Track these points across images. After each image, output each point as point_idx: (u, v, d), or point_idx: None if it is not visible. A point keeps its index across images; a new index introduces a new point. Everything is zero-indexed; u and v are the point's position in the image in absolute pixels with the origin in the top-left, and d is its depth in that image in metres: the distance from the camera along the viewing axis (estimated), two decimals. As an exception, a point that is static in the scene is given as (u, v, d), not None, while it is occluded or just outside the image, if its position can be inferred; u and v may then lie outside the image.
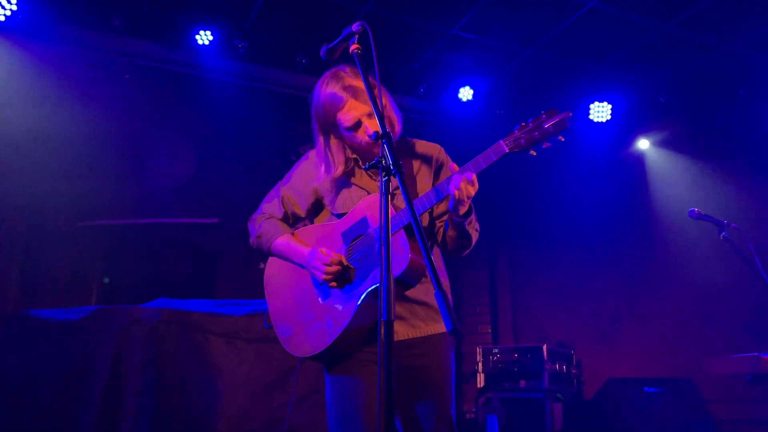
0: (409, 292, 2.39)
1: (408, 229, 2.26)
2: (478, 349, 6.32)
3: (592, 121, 6.93)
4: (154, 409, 3.45)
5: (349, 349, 2.37)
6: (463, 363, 7.45)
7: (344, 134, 2.46)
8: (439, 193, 2.26)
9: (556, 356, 6.00)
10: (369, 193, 2.47)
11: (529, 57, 6.29)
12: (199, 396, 3.61)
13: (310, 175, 2.58)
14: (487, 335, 7.65)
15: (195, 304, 4.01)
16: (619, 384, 5.97)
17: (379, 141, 2.18)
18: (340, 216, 2.49)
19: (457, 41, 6.05)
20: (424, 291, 2.45)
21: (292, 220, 2.68)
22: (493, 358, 6.17)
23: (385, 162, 1.88)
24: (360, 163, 2.54)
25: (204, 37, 5.69)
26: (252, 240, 2.68)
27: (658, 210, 6.76)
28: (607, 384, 6.04)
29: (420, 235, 1.73)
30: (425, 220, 2.53)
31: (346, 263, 2.37)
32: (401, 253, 2.22)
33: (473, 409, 6.34)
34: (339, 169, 2.50)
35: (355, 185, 2.52)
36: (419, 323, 2.43)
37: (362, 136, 2.42)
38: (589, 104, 6.91)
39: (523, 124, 2.20)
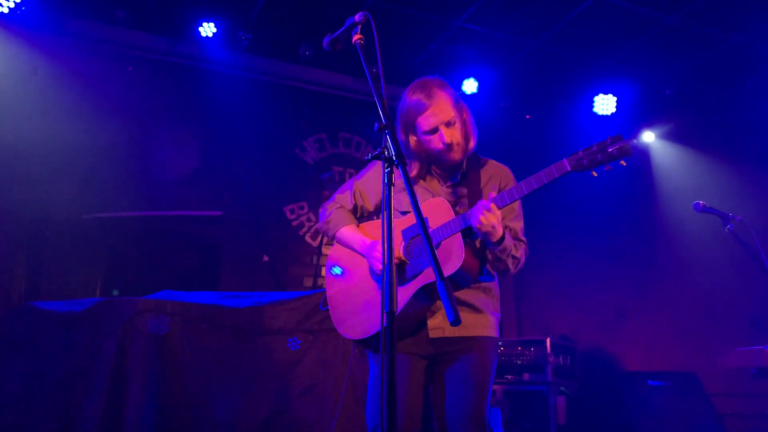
0: (460, 294, 2.55)
1: (466, 233, 2.42)
2: (481, 342, 6.32)
3: (596, 114, 6.91)
4: (159, 400, 3.46)
5: (398, 337, 2.50)
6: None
7: (422, 138, 2.62)
8: (465, 219, 2.41)
9: (559, 349, 5.99)
10: (434, 196, 2.64)
11: (534, 49, 6.26)
12: (202, 387, 3.62)
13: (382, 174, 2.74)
14: (491, 328, 7.65)
15: (199, 296, 4.01)
16: (623, 377, 5.97)
17: (453, 148, 2.56)
18: (404, 213, 2.67)
19: (462, 33, 6.02)
20: (473, 294, 2.60)
21: (359, 213, 2.89)
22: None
23: (388, 153, 1.90)
24: (432, 168, 2.72)
25: (207, 30, 5.68)
26: (320, 225, 2.91)
27: (663, 202, 6.73)
28: (611, 377, 6.04)
29: (426, 237, 1.75)
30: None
31: (403, 258, 2.53)
32: (456, 254, 2.40)
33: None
34: (413, 169, 2.70)
35: (423, 187, 2.71)
36: (467, 324, 2.55)
37: (437, 142, 2.58)
38: (594, 97, 6.89)
39: (588, 146, 2.35)
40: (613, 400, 5.92)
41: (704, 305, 6.09)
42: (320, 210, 2.95)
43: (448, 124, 2.58)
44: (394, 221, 2.64)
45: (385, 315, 1.67)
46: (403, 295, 2.46)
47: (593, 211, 6.89)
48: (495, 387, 6.04)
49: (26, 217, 5.41)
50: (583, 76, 6.73)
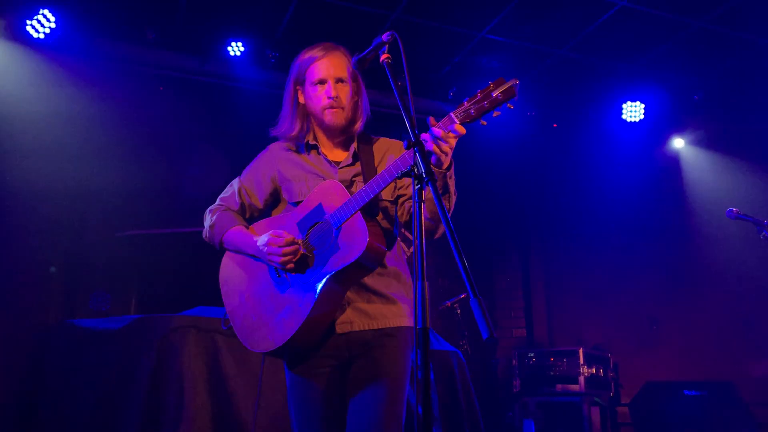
0: (368, 281, 2.35)
1: (365, 211, 2.24)
2: (513, 353, 6.28)
3: (625, 120, 6.86)
4: (194, 415, 3.50)
5: (310, 342, 2.31)
6: (499, 367, 7.40)
7: (309, 92, 2.48)
8: (364, 196, 2.20)
9: (592, 359, 5.94)
10: (324, 179, 2.42)
11: (559, 58, 6.25)
12: (239, 401, 3.65)
13: (269, 164, 2.57)
14: (522, 339, 7.59)
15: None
16: (658, 387, 5.88)
17: (336, 107, 2.41)
18: (296, 205, 2.45)
19: (486, 44, 6.04)
20: (384, 283, 2.40)
21: (249, 213, 2.60)
22: (528, 362, 6.13)
23: (418, 170, 1.86)
24: (320, 150, 2.52)
25: (235, 48, 5.78)
26: (204, 232, 2.60)
27: (696, 209, 6.64)
28: (646, 387, 5.95)
29: (457, 251, 1.66)
30: (385, 202, 2.45)
31: (302, 251, 2.30)
32: (360, 234, 2.19)
33: (510, 414, 6.30)
34: (294, 128, 2.52)
35: (313, 173, 2.48)
36: (377, 315, 2.35)
37: (323, 97, 2.44)
38: (622, 104, 6.85)
39: (472, 95, 2.14)
40: (648, 410, 5.83)
41: (740, 313, 5.99)
42: (204, 216, 2.63)
43: (338, 80, 2.45)
44: (284, 215, 2.47)
45: (419, 332, 1.65)
46: (311, 292, 2.25)
47: (624, 218, 6.83)
48: (527, 399, 5.99)
49: (62, 237, 5.54)
50: (610, 83, 6.69)
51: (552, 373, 5.93)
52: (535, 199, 7.66)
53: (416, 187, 1.86)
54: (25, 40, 5.27)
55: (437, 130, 2.11)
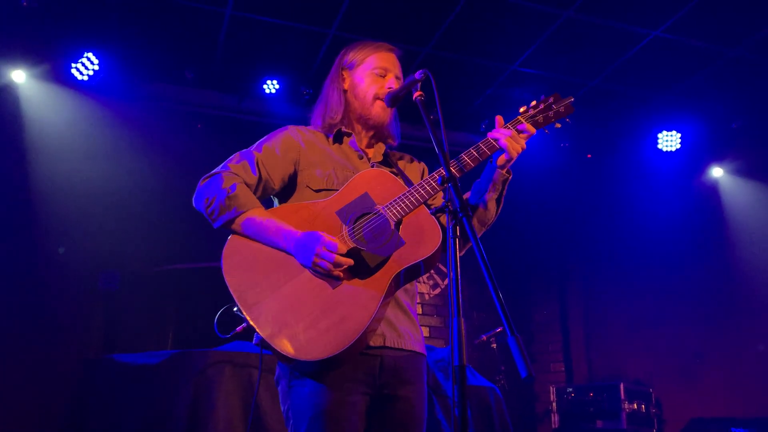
0: (399, 293, 2.16)
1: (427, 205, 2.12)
2: (551, 388, 6.16)
3: (661, 150, 6.78)
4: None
5: (359, 349, 2.01)
6: (537, 403, 7.26)
7: (362, 77, 2.36)
8: (428, 188, 2.11)
9: (634, 395, 5.78)
10: (356, 171, 2.24)
11: (593, 89, 6.23)
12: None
13: (291, 145, 2.31)
14: (561, 373, 7.44)
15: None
16: (703, 424, 5.69)
17: (389, 104, 2.30)
18: (318, 191, 2.22)
19: (518, 77, 6.06)
20: (408, 299, 2.24)
21: (261, 192, 2.24)
22: (567, 397, 5.99)
23: (452, 206, 1.81)
24: (354, 140, 2.37)
25: (271, 86, 5.92)
26: (208, 201, 2.15)
27: (737, 239, 6.48)
28: (690, 424, 5.77)
29: (493, 285, 1.60)
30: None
31: (354, 246, 2.05)
32: (431, 229, 2.05)
33: (549, 451, 6.15)
34: (340, 113, 2.35)
35: (342, 163, 2.30)
36: (404, 333, 2.17)
37: (380, 86, 2.33)
38: (658, 133, 6.78)
39: (530, 105, 2.30)
40: (694, 448, 5.64)
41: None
42: (207, 181, 2.20)
43: (397, 78, 2.37)
44: (316, 203, 2.15)
45: (456, 369, 1.61)
46: (373, 291, 1.99)
47: (664, 249, 6.70)
48: (567, 435, 5.85)
49: (101, 272, 5.67)
50: (645, 113, 6.64)
51: (592, 409, 5.79)
52: (571, 231, 7.57)
53: (451, 224, 1.83)
54: (70, 82, 5.50)
55: (508, 131, 2.18)
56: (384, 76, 2.37)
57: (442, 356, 4.64)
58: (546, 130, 2.35)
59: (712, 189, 6.84)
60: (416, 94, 2.17)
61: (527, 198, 7.02)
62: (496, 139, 2.19)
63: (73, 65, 5.44)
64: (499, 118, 2.27)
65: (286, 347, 1.95)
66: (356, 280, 2.03)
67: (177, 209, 5.97)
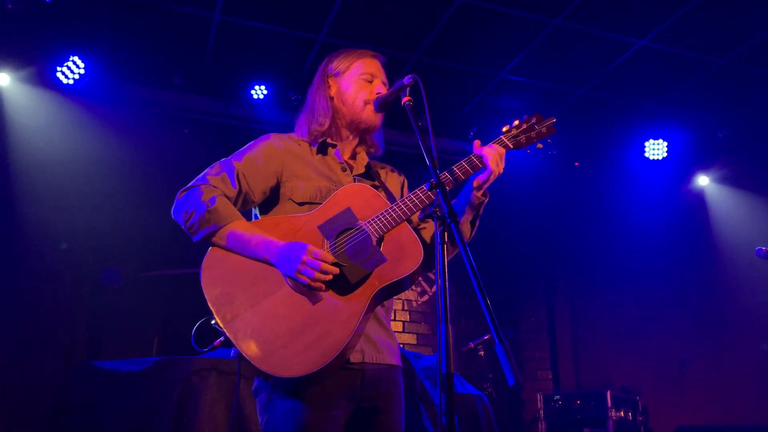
0: (379, 310, 2.17)
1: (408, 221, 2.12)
2: (538, 396, 6.15)
3: (648, 158, 6.82)
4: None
5: (340, 364, 2.01)
6: (524, 410, 7.24)
7: (350, 83, 2.35)
8: (416, 203, 2.12)
9: (620, 402, 5.78)
10: (336, 184, 2.24)
11: (581, 97, 6.26)
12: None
13: (273, 156, 2.28)
14: (548, 381, 7.44)
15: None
16: (689, 431, 5.70)
17: (377, 109, 2.30)
18: (302, 204, 2.20)
19: (506, 84, 6.08)
20: (385, 312, 2.24)
21: (241, 204, 2.21)
22: (554, 404, 5.99)
23: (440, 212, 1.81)
24: (338, 153, 2.35)
25: (259, 92, 5.90)
26: (187, 213, 2.10)
27: (723, 247, 6.52)
28: (677, 432, 5.77)
29: (481, 293, 1.59)
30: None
31: (335, 261, 2.04)
32: (413, 246, 2.06)
33: (536, 459, 6.13)
34: (325, 124, 2.32)
35: (326, 176, 2.27)
36: (382, 347, 2.16)
37: (367, 92, 2.32)
38: (645, 142, 6.82)
39: (515, 125, 2.32)
40: (680, 456, 5.64)
41: (773, 354, 5.81)
42: (185, 193, 2.15)
43: (384, 83, 2.38)
44: (298, 217, 2.14)
45: (443, 377, 1.59)
46: (354, 308, 1.99)
47: (650, 257, 6.73)
48: (554, 443, 5.83)
49: (86, 278, 5.60)
50: (632, 122, 6.67)
51: (579, 416, 5.78)
52: (559, 238, 7.58)
53: (439, 230, 1.82)
54: (56, 85, 5.43)
55: (497, 148, 2.22)
56: (371, 82, 2.37)
57: (429, 364, 4.62)
58: (528, 150, 2.35)
59: (699, 197, 6.89)
60: (405, 99, 2.17)
61: (515, 206, 7.04)
62: (481, 157, 2.20)
63: (59, 69, 5.38)
64: (477, 142, 2.29)
65: (264, 364, 1.94)
66: (336, 296, 2.03)
67: (163, 214, 5.93)
